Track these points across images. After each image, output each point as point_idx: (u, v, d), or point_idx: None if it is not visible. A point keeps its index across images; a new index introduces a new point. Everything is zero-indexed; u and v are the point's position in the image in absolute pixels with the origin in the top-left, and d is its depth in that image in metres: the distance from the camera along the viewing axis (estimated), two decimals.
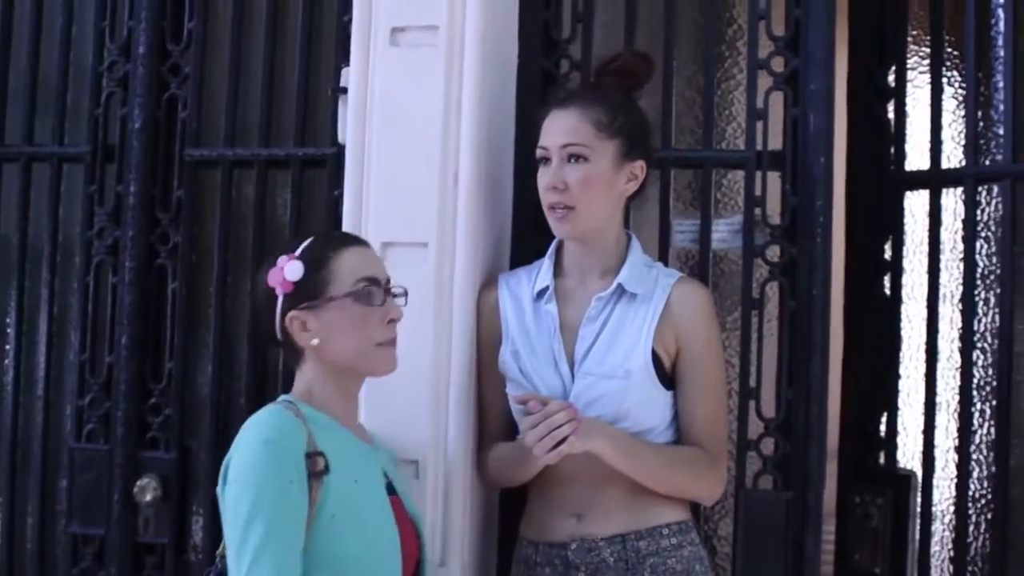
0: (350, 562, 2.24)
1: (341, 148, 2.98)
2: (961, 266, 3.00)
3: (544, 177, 2.68)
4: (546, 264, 2.78)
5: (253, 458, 2.23)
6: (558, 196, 2.65)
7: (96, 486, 3.21)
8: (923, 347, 3.03)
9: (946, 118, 3.10)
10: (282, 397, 2.42)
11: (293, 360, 2.46)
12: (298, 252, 2.40)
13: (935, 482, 3.00)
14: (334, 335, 2.37)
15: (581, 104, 2.68)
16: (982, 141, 3.07)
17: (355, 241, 2.50)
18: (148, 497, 3.15)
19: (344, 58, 2.97)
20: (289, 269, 2.37)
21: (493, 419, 2.82)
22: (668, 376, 2.70)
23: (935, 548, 3.04)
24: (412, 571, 2.43)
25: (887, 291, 3.10)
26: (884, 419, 3.07)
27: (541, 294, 2.75)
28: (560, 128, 2.67)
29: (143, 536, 3.17)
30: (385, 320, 2.41)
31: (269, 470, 2.20)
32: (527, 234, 2.95)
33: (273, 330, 2.42)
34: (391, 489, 2.42)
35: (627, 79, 2.75)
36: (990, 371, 3.00)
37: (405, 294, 2.47)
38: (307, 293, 2.37)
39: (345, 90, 2.92)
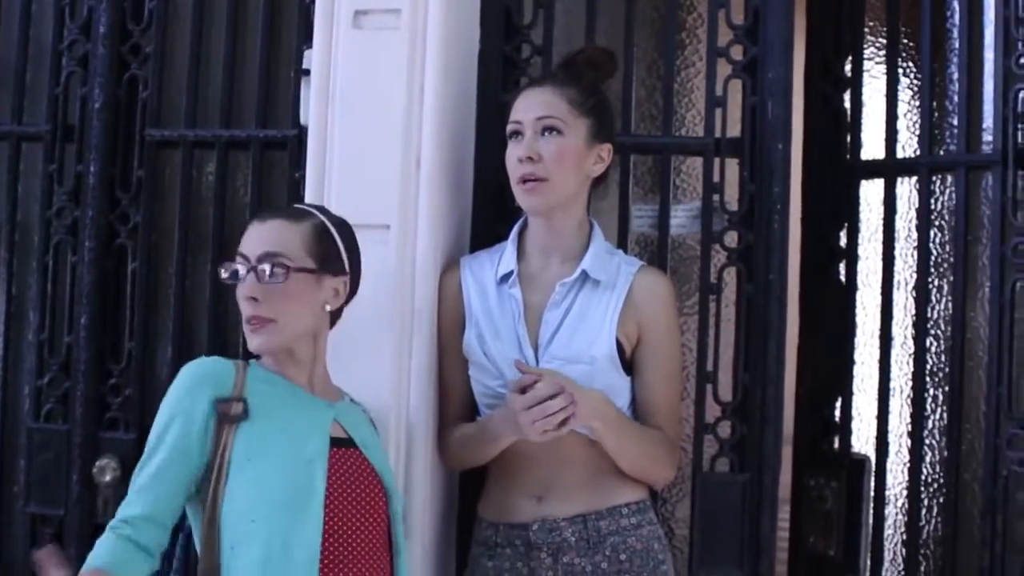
0: (264, 505, 2.28)
1: (303, 130, 2.98)
2: (915, 254, 3.04)
3: (516, 149, 2.70)
4: (509, 248, 2.79)
5: (168, 393, 2.38)
6: (531, 167, 2.67)
7: (55, 466, 3.20)
8: (877, 333, 3.06)
9: (901, 108, 3.15)
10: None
11: None
12: None
13: (888, 466, 3.04)
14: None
15: (556, 83, 2.72)
16: (936, 131, 3.11)
17: (260, 216, 2.52)
18: (107, 477, 3.14)
19: (306, 40, 2.97)
20: None
21: (455, 401, 2.83)
22: (628, 362, 2.73)
23: (888, 531, 3.08)
24: (386, 528, 2.45)
25: (842, 278, 3.14)
26: (839, 404, 3.11)
27: (505, 278, 2.76)
28: (535, 102, 2.70)
29: (103, 517, 3.14)
30: (243, 298, 2.42)
31: (167, 403, 2.36)
32: (488, 217, 2.97)
33: None
34: (347, 443, 2.44)
35: (591, 71, 2.78)
36: (943, 357, 3.02)
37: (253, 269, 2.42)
38: None
39: (307, 72, 2.92)
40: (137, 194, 3.21)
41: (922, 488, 3.02)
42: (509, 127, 2.73)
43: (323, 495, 2.34)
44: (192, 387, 2.35)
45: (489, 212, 2.96)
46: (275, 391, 2.41)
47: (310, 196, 2.82)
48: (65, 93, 3.29)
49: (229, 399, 2.34)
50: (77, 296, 3.21)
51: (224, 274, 2.42)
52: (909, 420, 3.03)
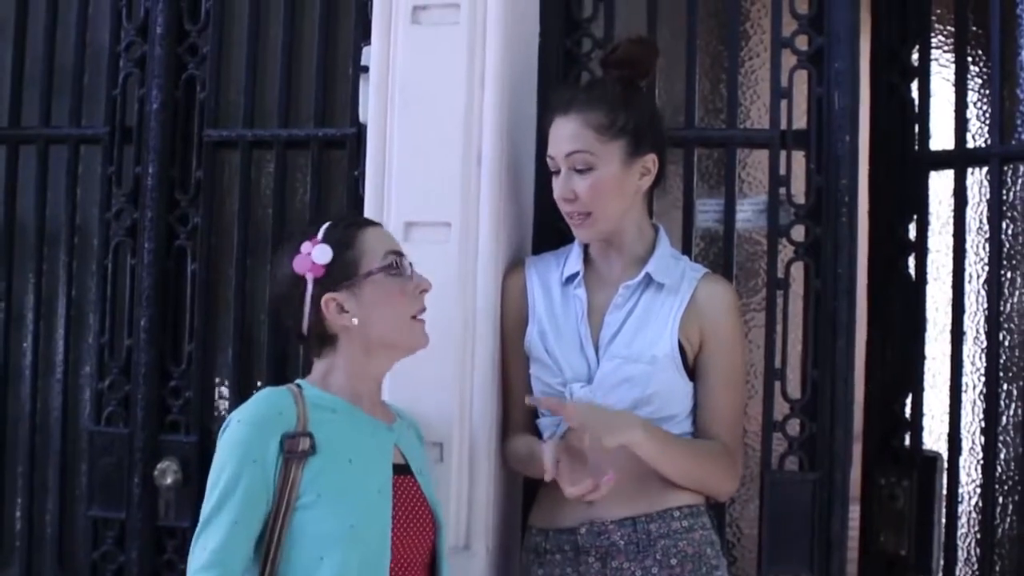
0: (331, 542, 2.25)
1: (361, 128, 2.96)
2: (987, 246, 2.98)
3: (556, 187, 2.69)
4: (576, 250, 2.78)
5: (227, 434, 2.30)
6: (571, 206, 2.67)
7: (116, 470, 3.21)
8: (948, 328, 3.01)
9: (971, 97, 3.08)
10: (297, 381, 2.43)
11: (317, 349, 2.43)
12: (321, 236, 2.39)
13: (961, 463, 2.99)
14: (373, 312, 2.37)
15: (581, 109, 2.66)
16: (1007, 120, 3.05)
17: (372, 221, 2.53)
18: (168, 480, 3.14)
19: (364, 36, 2.95)
20: (317, 253, 2.36)
21: (517, 402, 2.80)
22: (690, 366, 2.70)
23: (961, 530, 3.02)
24: (427, 553, 2.43)
25: (911, 272, 3.07)
26: (909, 400, 3.05)
27: (570, 279, 2.75)
28: (563, 136, 2.67)
29: (164, 520, 3.17)
30: (418, 291, 2.42)
31: (234, 448, 2.26)
32: (549, 213, 2.93)
33: (300, 320, 2.40)
34: (405, 470, 2.41)
35: (629, 69, 2.73)
36: (1016, 352, 2.99)
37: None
38: (341, 273, 2.36)
39: (366, 69, 2.90)
40: (196, 195, 3.21)
41: (996, 486, 2.96)
42: (548, 162, 2.72)
43: (390, 528, 2.32)
44: (261, 429, 2.27)
45: (550, 208, 2.91)
46: (337, 418, 2.36)
47: (370, 195, 2.82)
48: (123, 95, 3.30)
49: (296, 435, 2.28)
50: (137, 298, 3.22)
51: None
52: (982, 416, 2.98)
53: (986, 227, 2.99)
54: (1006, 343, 2.99)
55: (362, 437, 2.37)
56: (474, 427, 2.72)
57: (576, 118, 2.65)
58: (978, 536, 2.99)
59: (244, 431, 2.27)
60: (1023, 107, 3.01)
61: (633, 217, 2.73)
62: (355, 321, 2.36)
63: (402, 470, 2.41)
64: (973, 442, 3.03)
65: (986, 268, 2.98)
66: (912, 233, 3.08)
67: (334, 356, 2.41)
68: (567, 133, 2.66)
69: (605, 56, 2.77)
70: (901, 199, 3.09)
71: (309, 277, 2.36)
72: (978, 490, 3.00)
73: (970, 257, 3.04)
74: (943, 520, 2.99)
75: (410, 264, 2.43)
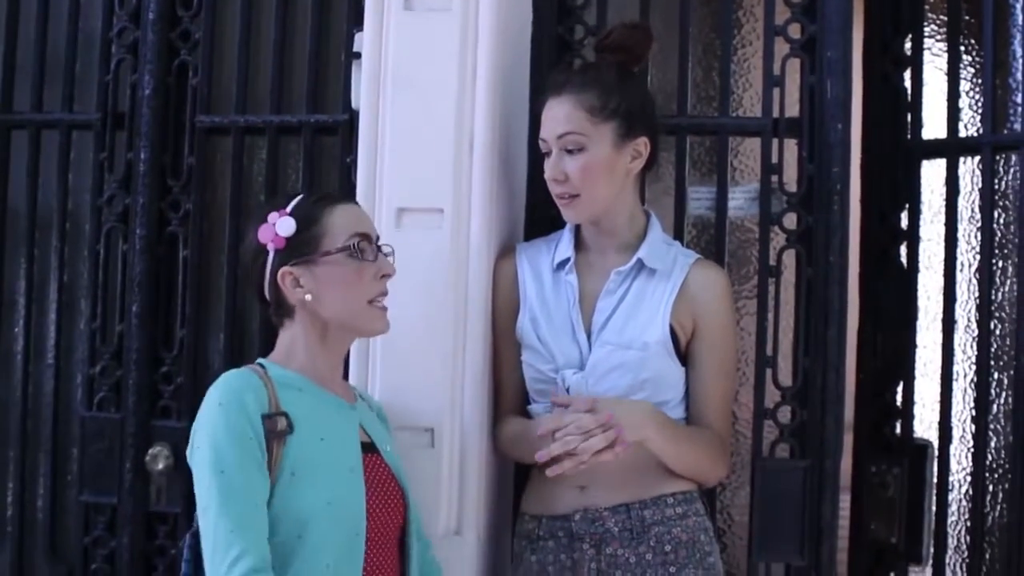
0: (308, 519, 2.25)
1: (354, 114, 2.96)
2: (978, 235, 2.98)
3: (547, 168, 2.69)
4: (567, 236, 2.78)
5: (211, 420, 2.27)
6: (560, 187, 2.67)
7: (108, 455, 3.19)
8: (939, 317, 3.01)
9: (963, 86, 3.10)
10: (258, 360, 2.44)
11: (279, 319, 2.45)
12: (289, 208, 2.40)
13: (952, 452, 2.99)
14: (327, 291, 2.38)
15: (573, 91, 2.67)
16: (999, 109, 3.05)
17: (345, 199, 2.53)
18: (160, 466, 3.13)
19: (357, 23, 2.95)
20: (281, 225, 2.37)
21: (508, 389, 2.82)
22: (682, 352, 2.70)
23: (952, 518, 3.03)
24: (398, 530, 2.43)
25: (903, 260, 3.07)
26: (900, 389, 3.05)
27: (561, 265, 2.75)
28: (555, 117, 2.67)
29: (155, 505, 3.16)
30: (378, 276, 2.41)
31: (226, 429, 2.24)
32: (541, 200, 2.93)
33: (262, 287, 2.42)
34: (371, 448, 2.42)
35: (623, 54, 2.73)
36: (1007, 340, 2.99)
37: (392, 252, 2.47)
38: (300, 248, 2.38)
39: (358, 55, 2.90)
40: (188, 181, 3.20)
41: (986, 474, 2.97)
42: (540, 143, 2.72)
43: (365, 504, 2.32)
44: (244, 409, 2.26)
45: (542, 195, 2.91)
46: (305, 398, 2.36)
47: (362, 181, 2.82)
48: (115, 81, 3.28)
49: (272, 415, 2.28)
50: (128, 284, 3.20)
51: None
52: (973, 405, 2.98)
53: (978, 216, 3.00)
54: (997, 332, 2.99)
55: (329, 415, 2.38)
56: (465, 413, 2.72)
57: (569, 100, 2.65)
58: (968, 524, 2.99)
59: (230, 411, 2.26)
60: (1015, 96, 3.01)
61: (625, 202, 2.73)
62: (308, 297, 2.37)
63: (369, 448, 2.42)
64: (964, 430, 3.04)
65: (978, 257, 2.99)
66: (904, 222, 3.08)
67: (293, 328, 2.43)
68: (559, 114, 2.66)
69: (599, 41, 2.77)
70: (893, 188, 3.09)
71: (271, 247, 2.38)
72: (968, 478, 3.00)
73: (962, 246, 3.04)
74: (933, 508, 2.99)
75: (378, 248, 2.43)
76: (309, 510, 2.25)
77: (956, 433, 3.02)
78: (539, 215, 2.96)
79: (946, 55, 3.08)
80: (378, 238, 2.45)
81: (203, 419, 2.29)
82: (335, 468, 2.32)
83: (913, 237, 3.06)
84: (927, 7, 3.14)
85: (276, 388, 2.33)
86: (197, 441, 2.28)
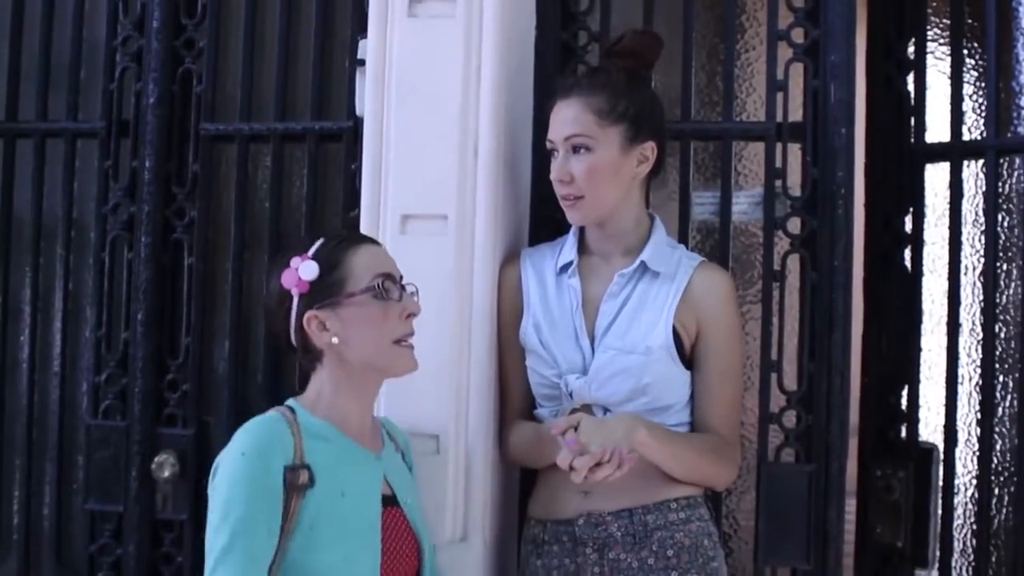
0: (326, 573, 2.24)
1: (358, 121, 2.97)
2: (982, 238, 2.98)
3: (553, 169, 2.69)
4: (570, 240, 2.78)
5: (231, 468, 2.24)
6: (566, 188, 2.67)
7: (113, 463, 3.20)
8: (944, 320, 3.01)
9: (967, 89, 3.10)
10: (288, 401, 2.41)
11: (309, 364, 2.43)
12: (311, 252, 2.37)
13: (957, 455, 2.98)
14: (353, 332, 2.35)
15: (582, 93, 2.67)
16: (1003, 112, 3.05)
17: (368, 240, 2.50)
18: (166, 474, 3.14)
19: (361, 30, 2.95)
20: (304, 269, 2.34)
21: (514, 394, 2.82)
22: (687, 356, 2.70)
23: (957, 521, 3.02)
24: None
25: (908, 264, 3.07)
26: (905, 392, 3.05)
27: (564, 268, 2.75)
28: (563, 119, 2.67)
29: (161, 513, 3.16)
30: (403, 315, 2.39)
31: (242, 482, 2.22)
32: (546, 206, 2.93)
33: (288, 333, 2.40)
34: (392, 501, 2.41)
35: (632, 60, 2.73)
36: (1012, 343, 2.99)
37: (417, 292, 2.45)
38: (324, 292, 2.35)
39: (362, 62, 2.90)
40: (192, 189, 3.21)
41: (992, 477, 2.97)
42: (547, 144, 2.72)
43: (380, 561, 2.31)
44: (265, 460, 2.23)
45: (547, 201, 2.92)
46: (330, 448, 2.33)
47: (366, 188, 2.81)
48: (119, 89, 3.29)
49: (296, 467, 2.26)
50: (134, 292, 3.21)
51: None
52: (978, 408, 2.99)
53: (982, 219, 3.00)
54: (1002, 335, 2.99)
55: (353, 468, 2.36)
56: (471, 419, 2.71)
57: (577, 102, 2.66)
58: (974, 527, 2.99)
59: (250, 464, 2.23)
60: (1018, 100, 3.02)
61: (630, 206, 2.72)
62: (335, 340, 2.34)
63: (389, 501, 2.40)
64: (969, 434, 3.04)
65: (982, 260, 2.99)
66: (908, 225, 3.08)
67: (321, 373, 2.40)
68: (567, 116, 2.66)
69: (610, 46, 2.77)
70: (897, 191, 3.09)
71: (295, 292, 2.36)
72: (974, 481, 3.00)
73: (966, 249, 3.05)
74: (939, 511, 2.99)
75: (401, 288, 2.41)
76: (325, 566, 2.24)
77: (961, 436, 3.01)
78: (544, 220, 2.96)
79: (949, 58, 3.08)
80: (402, 277, 2.43)
81: (225, 465, 2.26)
82: (354, 525, 2.31)
83: (917, 241, 3.06)
84: (930, 11, 3.14)
85: (303, 437, 2.30)
86: (215, 484, 2.26)
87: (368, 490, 2.36)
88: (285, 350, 2.47)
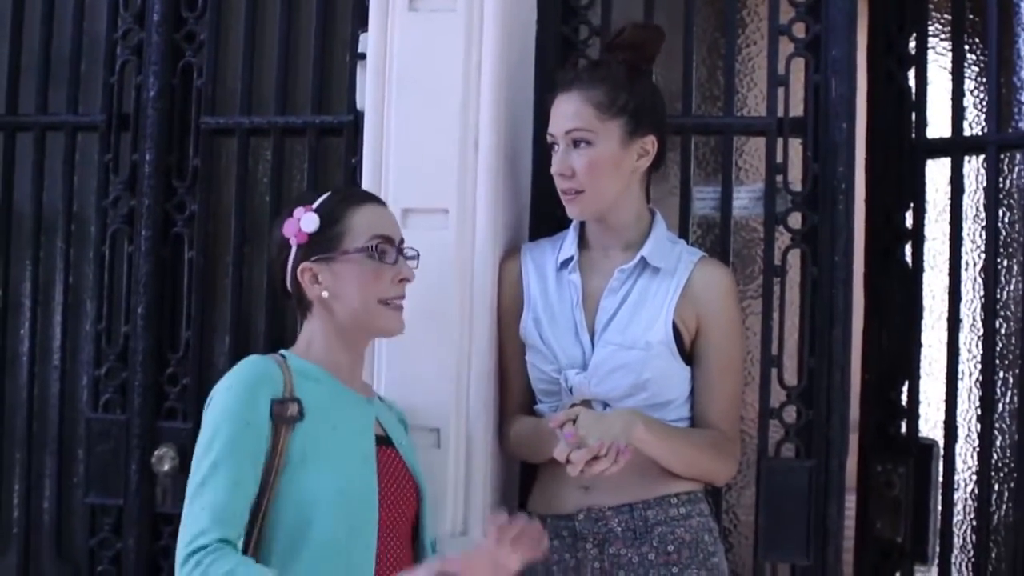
0: (319, 506, 2.26)
1: (359, 115, 2.96)
2: (983, 234, 2.98)
3: (553, 163, 2.69)
4: (571, 235, 2.77)
5: (217, 401, 2.30)
6: (567, 182, 2.67)
7: (113, 456, 3.20)
8: (944, 316, 3.01)
9: (968, 85, 3.08)
10: (280, 352, 2.45)
11: (301, 312, 2.48)
12: (315, 205, 2.43)
13: (957, 451, 2.98)
14: (343, 289, 2.40)
15: (583, 87, 2.67)
16: (1004, 108, 3.05)
17: (373, 199, 2.53)
18: (166, 467, 3.14)
19: (362, 24, 2.95)
20: (305, 220, 2.40)
21: (514, 389, 2.82)
22: (687, 351, 2.70)
23: (957, 517, 3.02)
24: (411, 522, 2.45)
25: (908, 259, 3.07)
26: (905, 388, 3.04)
27: (565, 264, 2.75)
28: (563, 113, 2.67)
29: (161, 506, 3.16)
30: (396, 279, 2.43)
31: (226, 413, 2.27)
32: (547, 200, 2.93)
33: (284, 280, 2.45)
34: (386, 442, 2.43)
35: (633, 53, 2.73)
36: (1013, 339, 2.98)
37: (417, 256, 2.48)
38: (321, 245, 2.40)
39: (363, 56, 2.90)
40: (193, 182, 3.21)
41: (992, 473, 2.96)
42: (547, 138, 2.72)
43: (377, 493, 2.33)
44: (251, 392, 2.29)
45: (548, 195, 2.92)
46: (322, 388, 2.38)
47: (367, 181, 2.82)
48: (120, 82, 3.29)
49: (284, 400, 2.30)
50: (134, 285, 3.21)
51: None
52: (978, 404, 2.98)
53: (983, 215, 2.99)
54: (1002, 331, 2.98)
55: (345, 407, 2.40)
56: (471, 413, 2.72)
57: (577, 95, 2.66)
58: (974, 523, 2.98)
59: (234, 395, 2.29)
60: (1020, 95, 3.02)
61: (631, 200, 2.72)
62: (325, 294, 2.39)
63: (383, 441, 2.43)
64: (969, 429, 3.04)
65: (983, 256, 2.98)
66: (909, 221, 3.07)
67: (312, 323, 2.45)
68: (568, 110, 2.66)
69: (611, 40, 2.77)
70: (898, 187, 3.08)
71: (293, 242, 2.41)
72: (974, 477, 2.99)
73: (967, 245, 3.04)
74: (939, 507, 2.99)
75: (399, 252, 2.44)
76: (318, 497, 2.26)
77: (962, 432, 3.01)
78: (544, 215, 2.96)
79: (950, 54, 3.08)
80: (402, 241, 2.46)
81: (212, 401, 2.32)
82: (347, 456, 2.33)
83: (918, 236, 3.06)
84: (931, 6, 3.13)
85: (294, 376, 2.35)
86: (205, 416, 2.31)
87: (360, 427, 2.40)
88: (281, 296, 2.52)
